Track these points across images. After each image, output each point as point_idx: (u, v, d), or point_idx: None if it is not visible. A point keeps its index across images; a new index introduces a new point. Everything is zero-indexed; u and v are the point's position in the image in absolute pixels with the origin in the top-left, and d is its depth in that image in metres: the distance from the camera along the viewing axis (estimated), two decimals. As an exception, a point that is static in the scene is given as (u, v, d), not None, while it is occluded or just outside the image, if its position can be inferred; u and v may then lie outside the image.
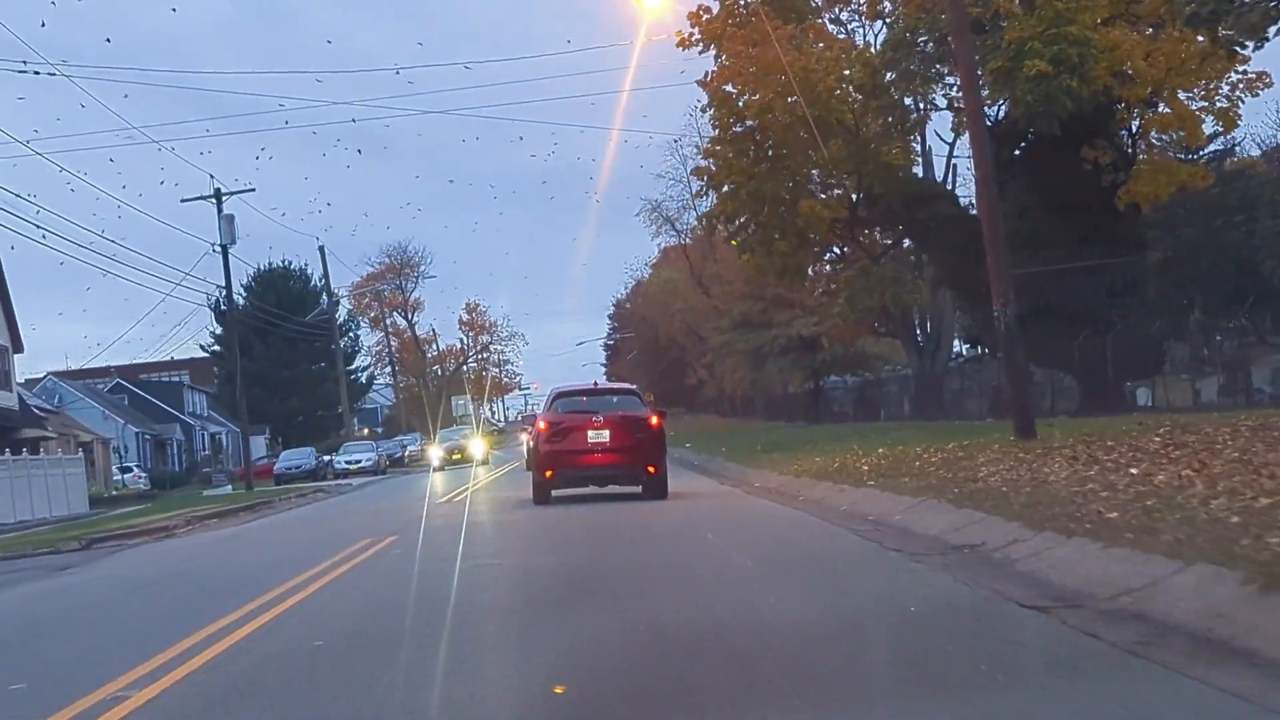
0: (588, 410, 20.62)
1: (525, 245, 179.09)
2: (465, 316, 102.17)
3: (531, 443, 23.41)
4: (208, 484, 56.50)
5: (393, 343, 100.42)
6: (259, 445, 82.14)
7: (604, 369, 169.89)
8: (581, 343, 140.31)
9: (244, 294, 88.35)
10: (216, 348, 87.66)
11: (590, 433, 20.01)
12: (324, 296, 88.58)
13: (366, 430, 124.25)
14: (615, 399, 21.71)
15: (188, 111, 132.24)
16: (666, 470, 20.66)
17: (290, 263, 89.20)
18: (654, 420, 20.49)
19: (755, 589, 8.95)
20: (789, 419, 69.68)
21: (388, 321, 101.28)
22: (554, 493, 20.51)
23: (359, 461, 50.73)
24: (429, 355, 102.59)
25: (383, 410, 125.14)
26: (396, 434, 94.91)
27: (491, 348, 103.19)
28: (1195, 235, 44.71)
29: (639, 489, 20.33)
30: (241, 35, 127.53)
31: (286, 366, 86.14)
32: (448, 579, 10.80)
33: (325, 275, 60.94)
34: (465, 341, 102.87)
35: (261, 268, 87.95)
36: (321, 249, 60.30)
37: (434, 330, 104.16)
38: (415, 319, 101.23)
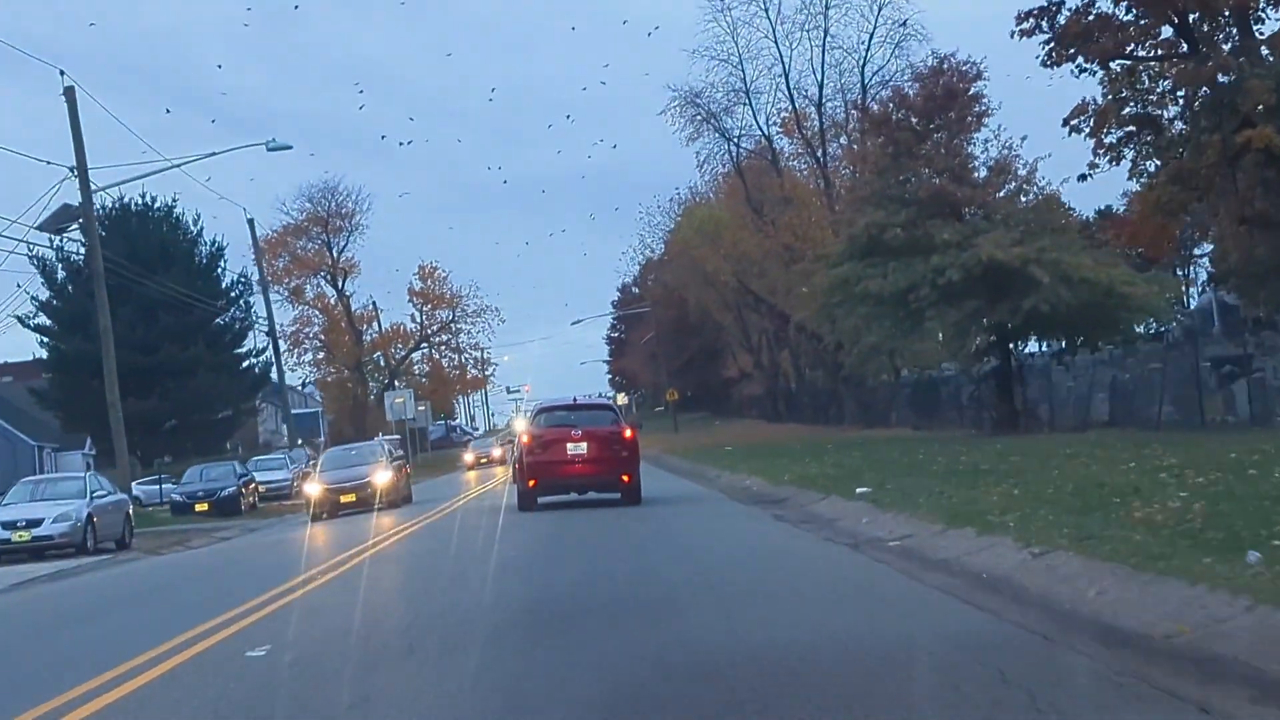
0: (567, 424, 21.75)
1: (521, 247, 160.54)
2: (418, 285, 74.24)
3: (516, 454, 24.43)
4: None
5: (315, 320, 72.50)
6: (73, 463, 54.14)
7: (608, 366, 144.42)
8: (577, 321, 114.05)
9: (82, 241, 61.25)
10: (42, 320, 59.57)
11: (570, 445, 21.16)
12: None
13: (301, 441, 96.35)
14: (593, 414, 22.98)
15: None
16: (640, 478, 21.62)
17: (154, 199, 61.44)
18: (628, 434, 21.92)
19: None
20: (920, 425, 41.90)
21: (311, 292, 73.39)
22: None
23: (38, 524, 21.75)
24: (367, 338, 74.51)
25: (327, 416, 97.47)
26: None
27: (454, 327, 75.13)
28: None
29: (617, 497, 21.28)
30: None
31: (144, 349, 58.25)
32: None
33: (76, 142, 31.83)
34: (418, 318, 74.77)
35: (111, 204, 60.32)
36: (69, 91, 31.48)
37: (374, 304, 75.78)
38: (349, 288, 73.28)
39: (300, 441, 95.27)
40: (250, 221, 53.05)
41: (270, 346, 56.55)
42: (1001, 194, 33.19)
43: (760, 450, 35.68)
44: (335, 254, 72.06)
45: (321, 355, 73.07)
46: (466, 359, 78.94)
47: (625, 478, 21.08)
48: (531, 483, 21.31)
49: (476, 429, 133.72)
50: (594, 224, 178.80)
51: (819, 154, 50.62)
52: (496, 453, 60.78)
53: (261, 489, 38.49)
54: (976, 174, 33.82)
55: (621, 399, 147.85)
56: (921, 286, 30.84)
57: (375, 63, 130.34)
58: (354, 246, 73.70)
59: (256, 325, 59.44)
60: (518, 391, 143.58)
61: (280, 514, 33.48)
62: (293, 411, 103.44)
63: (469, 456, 62.37)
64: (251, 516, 32.28)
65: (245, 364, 61.12)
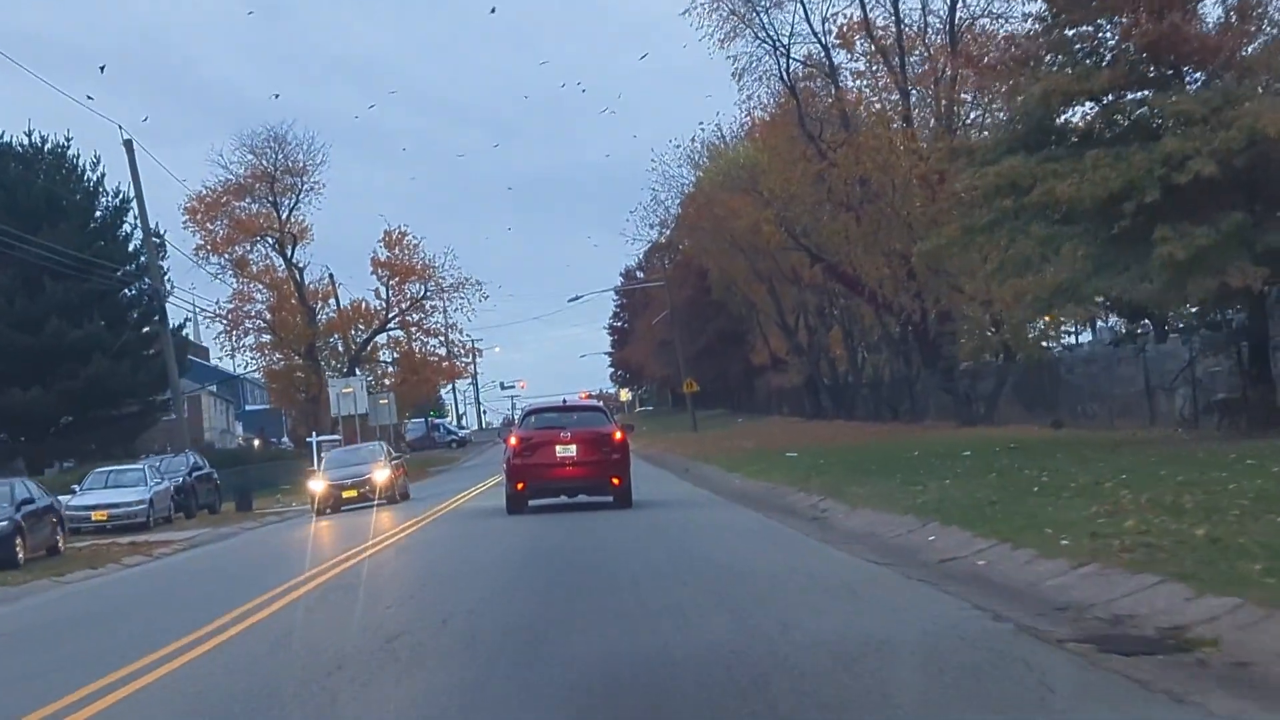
0: (557, 426, 21.62)
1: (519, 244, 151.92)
2: (383, 254, 61.61)
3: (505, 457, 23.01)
4: None
5: (259, 296, 59.86)
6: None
7: (610, 359, 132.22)
8: (574, 299, 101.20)
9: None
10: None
11: (559, 448, 21.03)
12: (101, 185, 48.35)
13: (257, 443, 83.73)
14: (582, 415, 22.68)
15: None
16: (631, 481, 21.23)
17: (45, 138, 49.07)
18: (618, 435, 21.35)
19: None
20: (1061, 422, 29.54)
21: (258, 264, 60.87)
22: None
23: None
24: (322, 317, 61.87)
25: (288, 412, 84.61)
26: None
27: (427, 304, 62.54)
28: None
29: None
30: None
31: (25, 326, 45.97)
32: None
33: None
34: (384, 293, 62.13)
35: (-14, 143, 47.86)
36: None
37: (331, 276, 63.00)
38: (301, 258, 60.71)
39: (258, 441, 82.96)
40: (128, 143, 40.46)
41: (158, 311, 43.78)
42: (1251, 48, 20.79)
43: (858, 461, 23.28)
44: (283, 215, 59.49)
45: (267, 338, 60.35)
46: (443, 342, 66.40)
47: (615, 480, 21.01)
48: (520, 486, 21.24)
49: (465, 427, 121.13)
50: (594, 223, 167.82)
51: (894, 61, 38.12)
52: (381, 477, 30.71)
53: (101, 516, 26.22)
54: (1203, 20, 21.42)
55: (625, 395, 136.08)
56: (1146, 188, 18.47)
57: (374, 59, 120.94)
58: (309, 209, 61.44)
59: (167, 295, 46.85)
60: (513, 388, 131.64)
61: (112, 560, 21.03)
62: (248, 408, 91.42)
63: (316, 485, 30.84)
64: (41, 569, 19.65)
65: (157, 347, 48.48)
